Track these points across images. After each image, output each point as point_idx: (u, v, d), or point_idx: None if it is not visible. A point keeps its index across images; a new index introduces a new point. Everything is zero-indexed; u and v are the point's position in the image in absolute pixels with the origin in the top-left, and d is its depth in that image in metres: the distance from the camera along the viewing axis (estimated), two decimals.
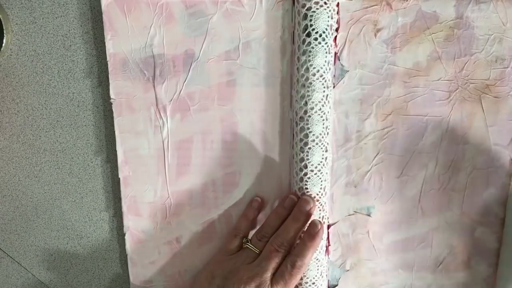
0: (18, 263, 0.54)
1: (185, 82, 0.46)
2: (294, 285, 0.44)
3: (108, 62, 0.45)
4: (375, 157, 0.47)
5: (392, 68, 0.45)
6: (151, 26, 0.44)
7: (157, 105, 0.46)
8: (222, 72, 0.45)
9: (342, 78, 0.45)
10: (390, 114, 0.46)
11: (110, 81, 0.46)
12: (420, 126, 0.46)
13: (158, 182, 0.48)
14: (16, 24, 0.46)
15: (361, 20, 0.43)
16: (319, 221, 0.45)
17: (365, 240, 0.49)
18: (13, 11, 0.46)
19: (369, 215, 0.48)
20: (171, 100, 0.46)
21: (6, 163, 0.50)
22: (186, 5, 0.44)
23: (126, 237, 0.50)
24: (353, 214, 0.48)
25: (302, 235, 0.45)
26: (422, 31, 0.44)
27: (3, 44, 0.46)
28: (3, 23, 0.45)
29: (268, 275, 0.44)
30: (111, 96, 0.46)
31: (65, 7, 0.46)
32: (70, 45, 0.47)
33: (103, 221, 0.52)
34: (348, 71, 0.45)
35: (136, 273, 0.51)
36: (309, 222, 0.45)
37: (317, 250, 0.46)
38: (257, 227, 0.48)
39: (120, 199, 0.49)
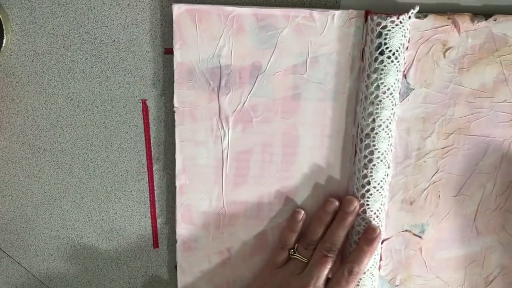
0: (18, 263, 0.53)
1: (250, 94, 0.46)
2: None
3: (174, 71, 0.45)
4: (433, 175, 0.47)
5: (457, 88, 0.45)
6: (220, 37, 0.44)
7: (219, 115, 0.46)
8: (288, 85, 0.45)
9: (407, 96, 0.45)
10: (452, 133, 0.46)
11: (174, 90, 0.46)
12: (481, 146, 0.46)
13: (214, 191, 0.48)
14: (16, 24, 0.46)
15: (430, 39, 0.44)
16: (377, 226, 0.45)
17: (417, 257, 0.49)
18: (13, 11, 0.46)
19: (421, 235, 0.48)
20: (234, 111, 0.46)
21: (6, 163, 0.50)
22: (257, 18, 0.43)
23: (178, 245, 0.50)
24: (406, 231, 0.48)
25: (358, 240, 0.45)
26: (490, 53, 0.44)
27: (3, 44, 0.46)
28: (3, 23, 0.45)
29: (320, 282, 0.43)
30: (175, 105, 0.46)
31: (65, 7, 0.46)
32: (70, 45, 0.47)
33: (103, 221, 0.52)
34: (414, 89, 0.45)
35: (184, 281, 0.51)
36: (367, 227, 0.45)
37: (373, 256, 0.46)
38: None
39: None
